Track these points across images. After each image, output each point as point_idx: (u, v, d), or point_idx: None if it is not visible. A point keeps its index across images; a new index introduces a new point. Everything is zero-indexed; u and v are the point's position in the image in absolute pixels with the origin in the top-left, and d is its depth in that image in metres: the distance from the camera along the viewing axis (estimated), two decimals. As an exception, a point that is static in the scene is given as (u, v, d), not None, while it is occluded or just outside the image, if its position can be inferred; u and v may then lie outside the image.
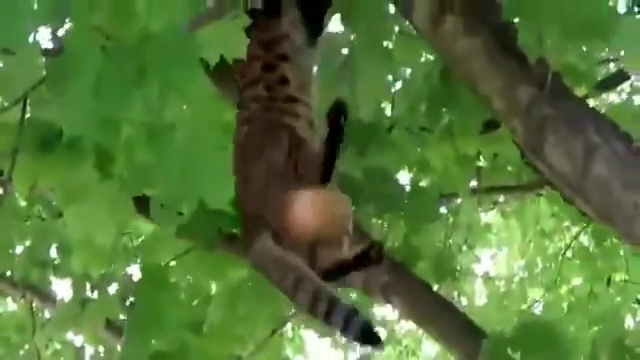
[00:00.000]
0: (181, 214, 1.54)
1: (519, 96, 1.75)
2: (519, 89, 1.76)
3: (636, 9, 2.06)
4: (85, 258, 2.72)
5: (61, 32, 1.72)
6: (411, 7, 1.97)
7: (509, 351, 2.49)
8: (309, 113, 2.15)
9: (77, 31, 1.48)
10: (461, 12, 1.83)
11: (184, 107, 1.44)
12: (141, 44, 1.42)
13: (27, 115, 2.05)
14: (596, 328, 4.51)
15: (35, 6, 1.38)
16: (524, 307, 6.43)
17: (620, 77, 3.05)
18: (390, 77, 3.40)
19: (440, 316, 2.77)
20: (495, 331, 2.53)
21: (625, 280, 5.24)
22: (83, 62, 1.39)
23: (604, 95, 3.59)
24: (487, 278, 7.32)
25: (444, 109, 2.82)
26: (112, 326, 3.72)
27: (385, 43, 2.24)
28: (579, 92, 2.45)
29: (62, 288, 5.69)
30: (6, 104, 1.98)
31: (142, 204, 2.45)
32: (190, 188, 1.45)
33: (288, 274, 1.95)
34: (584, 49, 1.90)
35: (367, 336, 1.86)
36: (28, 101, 1.98)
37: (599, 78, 3.14)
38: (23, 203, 3.87)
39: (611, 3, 1.76)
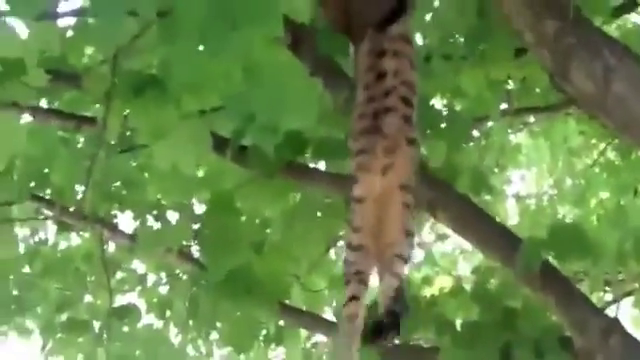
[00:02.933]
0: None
1: (546, 29, 2.04)
2: (546, 23, 2.05)
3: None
4: (163, 188, 3.04)
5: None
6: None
7: (544, 253, 2.78)
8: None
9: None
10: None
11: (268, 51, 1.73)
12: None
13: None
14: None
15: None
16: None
17: (631, 4, 3.27)
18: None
19: (480, 225, 3.01)
20: (530, 236, 2.79)
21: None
22: (190, 14, 1.68)
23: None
24: (518, 198, 7.53)
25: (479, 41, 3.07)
26: (178, 251, 4.03)
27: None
28: (596, 20, 2.71)
29: (125, 220, 5.96)
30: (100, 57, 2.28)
31: (213, 141, 2.77)
32: (279, 111, 1.74)
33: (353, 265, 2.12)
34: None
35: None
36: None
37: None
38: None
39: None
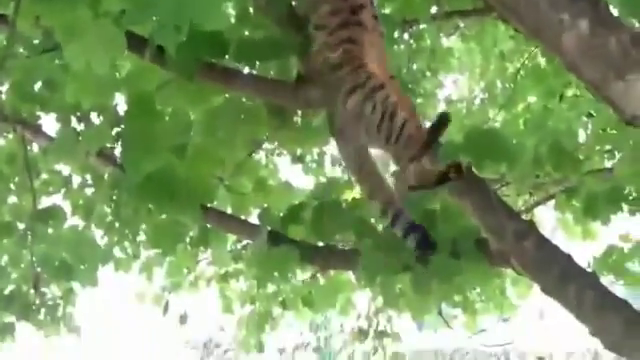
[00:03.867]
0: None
1: None
2: None
3: None
4: (80, 88, 2.97)
5: None
6: None
7: (460, 158, 2.79)
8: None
9: None
10: None
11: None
12: None
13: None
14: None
15: None
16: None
17: None
18: None
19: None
20: (447, 141, 2.79)
21: (576, 95, 5.52)
22: None
23: None
24: (449, 101, 7.56)
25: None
26: (100, 154, 3.98)
27: None
28: None
29: (49, 122, 5.86)
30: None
31: (132, 42, 2.70)
32: (185, 13, 1.71)
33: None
34: None
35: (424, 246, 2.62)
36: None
37: None
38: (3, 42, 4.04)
39: None
